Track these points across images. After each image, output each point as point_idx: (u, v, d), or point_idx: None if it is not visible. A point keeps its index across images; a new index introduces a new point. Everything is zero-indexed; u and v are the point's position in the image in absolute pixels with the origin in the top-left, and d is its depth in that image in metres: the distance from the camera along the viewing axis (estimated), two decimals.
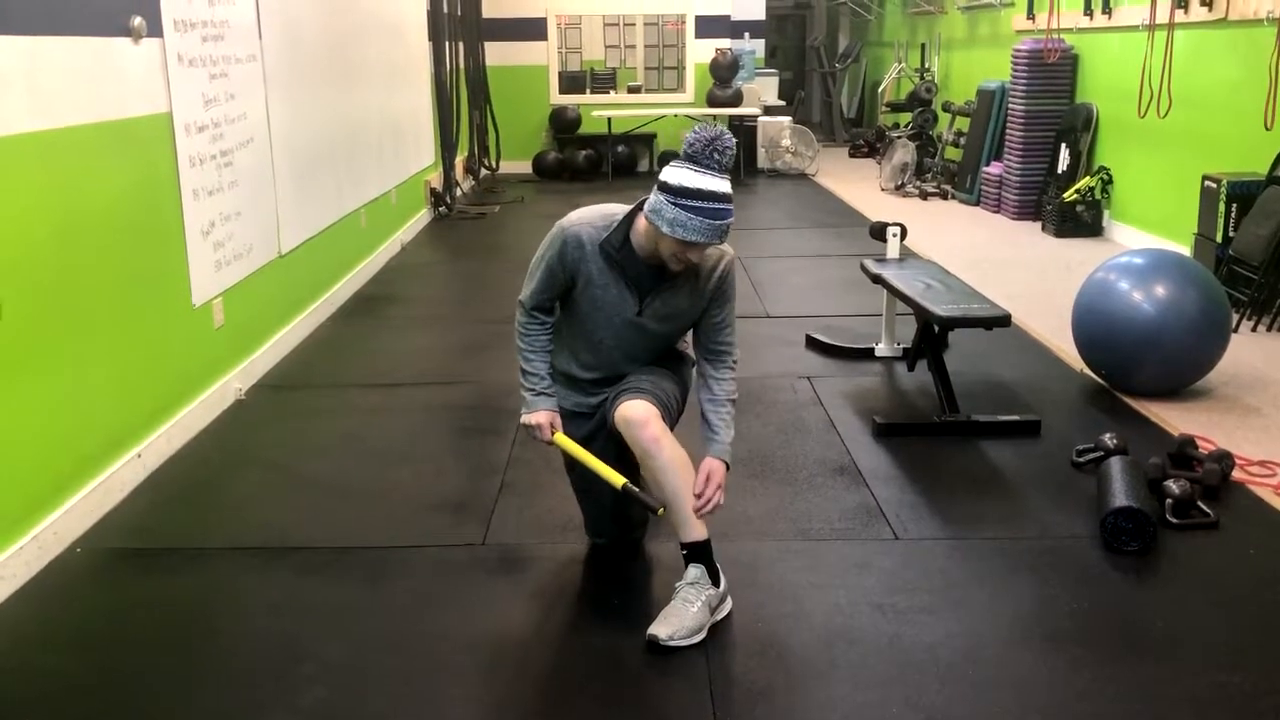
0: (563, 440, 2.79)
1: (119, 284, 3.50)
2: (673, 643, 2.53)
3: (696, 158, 2.52)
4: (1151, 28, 6.40)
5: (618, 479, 2.68)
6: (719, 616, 2.65)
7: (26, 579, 2.91)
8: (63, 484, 3.14)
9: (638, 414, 2.65)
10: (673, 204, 2.51)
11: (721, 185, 2.52)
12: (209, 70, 4.19)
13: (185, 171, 3.95)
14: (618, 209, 2.73)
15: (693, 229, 2.51)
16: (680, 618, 2.56)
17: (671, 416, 2.77)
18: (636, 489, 2.67)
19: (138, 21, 3.60)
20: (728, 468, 2.74)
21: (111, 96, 3.47)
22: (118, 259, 3.49)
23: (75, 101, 3.25)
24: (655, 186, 2.58)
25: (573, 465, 2.93)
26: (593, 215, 2.73)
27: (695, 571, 2.63)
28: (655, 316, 2.75)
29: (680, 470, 2.64)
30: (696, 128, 2.56)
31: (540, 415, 2.79)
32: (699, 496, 2.65)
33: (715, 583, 2.65)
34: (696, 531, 2.65)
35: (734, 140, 2.57)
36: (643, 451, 2.65)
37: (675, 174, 2.53)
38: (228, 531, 3.23)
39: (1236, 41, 5.96)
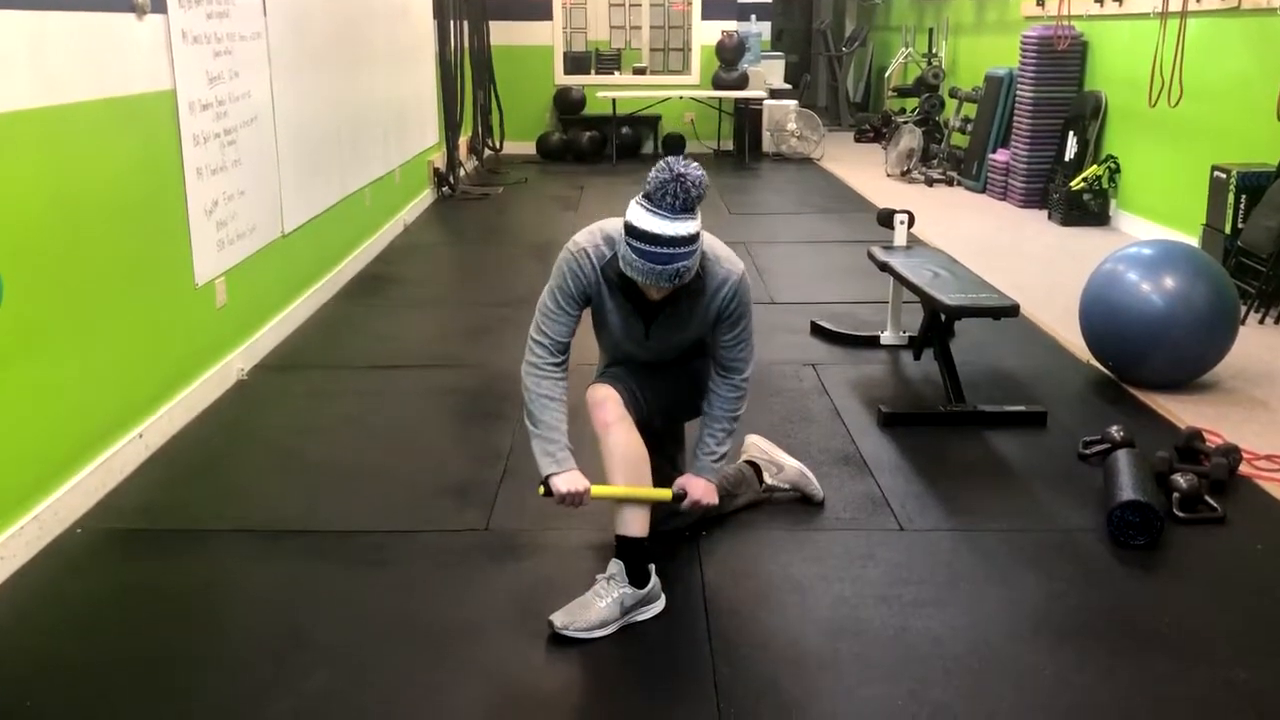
0: (600, 491, 2.63)
1: (121, 263, 3.47)
2: (568, 632, 2.52)
3: (652, 196, 2.43)
4: (1164, 16, 6.35)
5: (666, 493, 2.72)
6: (638, 618, 2.61)
7: (26, 559, 2.89)
8: (64, 464, 3.12)
9: (596, 395, 2.73)
10: (626, 240, 2.47)
11: (671, 228, 2.42)
12: (213, 47, 4.15)
13: (189, 150, 3.92)
14: (619, 227, 2.62)
15: (637, 270, 2.48)
16: (584, 609, 2.56)
17: (642, 411, 2.77)
18: (676, 504, 2.76)
19: None
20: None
21: (115, 73, 3.43)
22: (120, 237, 3.47)
23: (79, 78, 3.22)
24: None
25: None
26: (596, 237, 2.64)
27: (615, 567, 2.61)
28: (663, 340, 2.74)
29: (622, 460, 2.64)
30: (661, 163, 2.46)
31: (576, 477, 2.59)
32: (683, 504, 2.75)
33: (638, 583, 2.61)
34: (629, 528, 2.64)
35: (699, 178, 2.43)
36: (596, 432, 2.70)
37: (633, 210, 2.47)
38: (229, 513, 3.22)
39: (1249, 31, 5.91)
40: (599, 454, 2.70)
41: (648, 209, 2.44)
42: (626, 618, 2.59)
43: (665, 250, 2.43)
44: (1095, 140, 7.74)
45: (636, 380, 2.79)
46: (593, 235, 2.65)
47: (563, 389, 2.66)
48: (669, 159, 2.47)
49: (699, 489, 2.75)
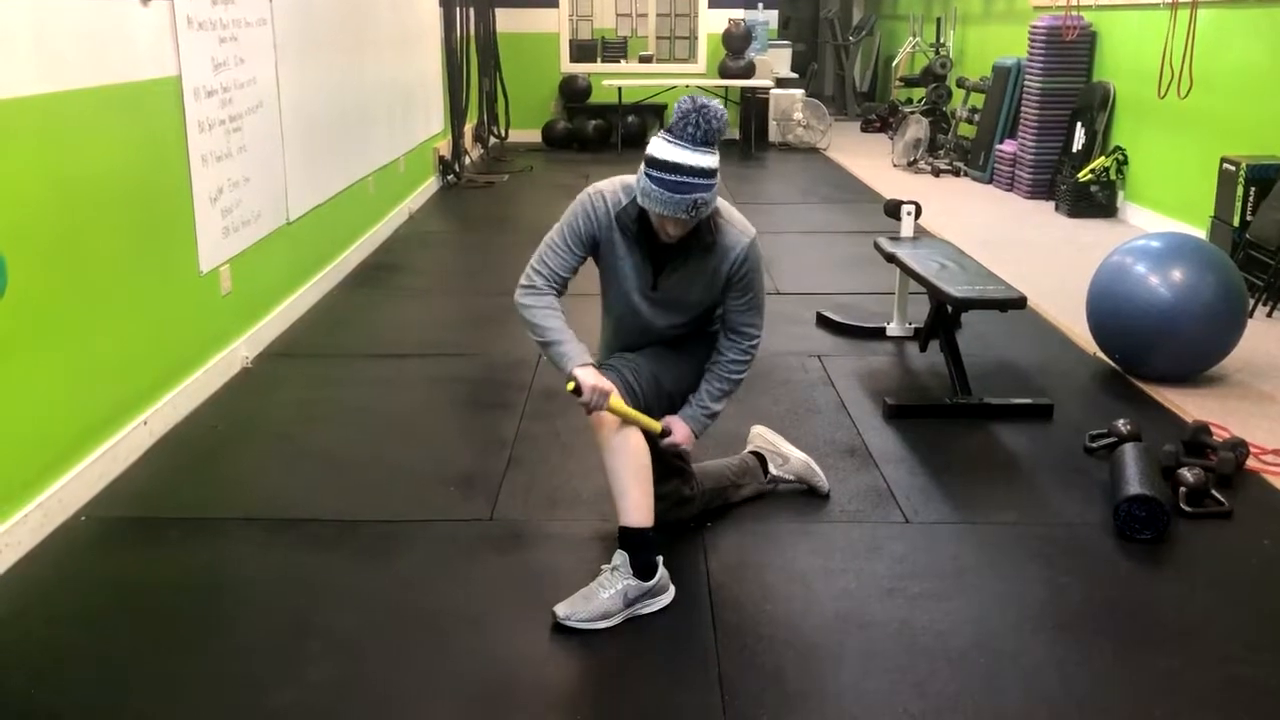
0: (615, 402, 2.61)
1: (126, 250, 3.46)
2: (570, 623, 2.53)
3: (673, 128, 2.50)
4: (1174, 6, 6.31)
5: (657, 425, 2.75)
6: (643, 610, 2.60)
7: (31, 546, 2.89)
8: (68, 451, 3.12)
9: None
10: (645, 173, 2.52)
11: (691, 159, 2.47)
12: (219, 34, 4.14)
13: (194, 136, 3.91)
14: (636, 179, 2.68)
15: (655, 200, 2.50)
16: (587, 600, 2.56)
17: (639, 399, 2.72)
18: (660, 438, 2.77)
19: None
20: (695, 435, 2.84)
21: (120, 59, 3.42)
22: (125, 224, 3.46)
23: (83, 64, 3.20)
24: None
25: None
26: (615, 184, 2.70)
27: (619, 558, 2.61)
28: (669, 295, 2.73)
29: (620, 451, 2.62)
30: (684, 98, 2.52)
31: (600, 374, 2.58)
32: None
33: (643, 576, 2.60)
34: (630, 518, 2.63)
35: (721, 113, 2.49)
36: (591, 424, 2.67)
37: (654, 143, 2.53)
38: (233, 502, 3.21)
39: (1259, 22, 5.88)
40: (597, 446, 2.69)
41: (668, 140, 2.50)
42: (632, 609, 2.59)
43: (685, 180, 2.46)
44: (1103, 131, 7.71)
45: (631, 369, 2.76)
46: (612, 183, 2.71)
47: (558, 306, 2.67)
48: (692, 95, 2.52)
49: (681, 434, 2.81)
